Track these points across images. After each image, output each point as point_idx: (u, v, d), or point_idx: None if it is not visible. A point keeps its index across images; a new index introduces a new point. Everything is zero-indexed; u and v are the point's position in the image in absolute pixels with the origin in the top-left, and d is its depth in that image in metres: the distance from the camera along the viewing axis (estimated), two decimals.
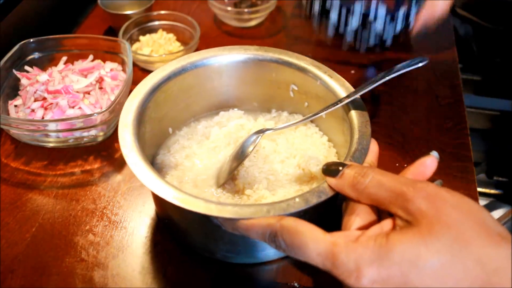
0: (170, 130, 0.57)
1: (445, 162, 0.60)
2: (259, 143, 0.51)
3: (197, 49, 0.75)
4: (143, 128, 0.49)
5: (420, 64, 0.45)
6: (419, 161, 0.38)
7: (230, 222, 0.39)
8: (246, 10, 0.81)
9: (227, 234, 0.41)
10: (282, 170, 0.51)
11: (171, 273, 0.48)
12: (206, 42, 0.78)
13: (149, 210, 0.54)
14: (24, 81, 0.62)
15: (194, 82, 0.55)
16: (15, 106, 0.61)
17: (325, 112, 0.49)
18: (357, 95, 0.47)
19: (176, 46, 0.76)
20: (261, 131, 0.51)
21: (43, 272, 0.48)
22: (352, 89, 0.49)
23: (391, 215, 0.34)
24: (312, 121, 0.56)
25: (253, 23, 0.84)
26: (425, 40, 0.81)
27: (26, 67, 0.65)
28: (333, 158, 0.53)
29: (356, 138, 0.45)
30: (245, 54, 0.55)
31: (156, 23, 0.78)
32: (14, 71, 0.63)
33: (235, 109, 0.60)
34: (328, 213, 0.45)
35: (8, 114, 0.61)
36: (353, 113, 0.47)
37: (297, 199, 0.39)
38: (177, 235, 0.52)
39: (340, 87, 0.50)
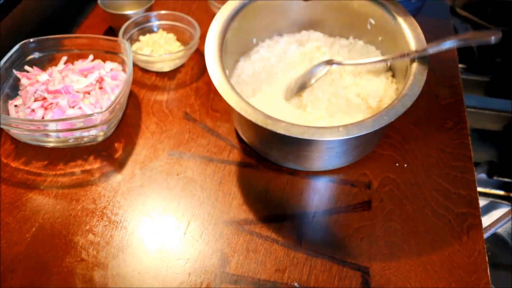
0: (255, 40, 0.65)
1: (445, 162, 0.60)
2: (328, 68, 0.58)
3: (197, 49, 0.75)
4: (229, 39, 0.57)
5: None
6: None
7: None
8: None
9: (280, 144, 0.52)
10: (344, 95, 0.57)
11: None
12: None
13: (149, 210, 0.54)
14: (24, 81, 0.62)
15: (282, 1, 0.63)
16: (15, 106, 0.61)
17: (390, 61, 0.55)
18: (425, 53, 0.51)
19: (176, 46, 0.76)
20: (329, 62, 0.57)
21: (43, 272, 0.48)
22: (421, 33, 0.55)
23: None
24: (382, 55, 0.62)
25: None
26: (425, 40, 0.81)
27: (26, 67, 0.65)
28: (392, 94, 0.58)
29: (409, 83, 0.50)
30: None
31: (156, 23, 0.78)
32: (14, 71, 0.63)
33: (317, 31, 0.66)
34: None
35: (8, 114, 0.61)
36: (415, 59, 0.53)
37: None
38: (245, 136, 0.59)
39: (411, 31, 0.56)
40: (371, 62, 0.57)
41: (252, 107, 0.48)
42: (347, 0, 0.62)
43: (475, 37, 0.48)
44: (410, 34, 0.56)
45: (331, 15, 0.65)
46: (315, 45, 0.64)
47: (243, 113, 0.48)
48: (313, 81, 0.57)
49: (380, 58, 0.56)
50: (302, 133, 0.46)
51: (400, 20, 0.57)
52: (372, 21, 0.61)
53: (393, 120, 0.47)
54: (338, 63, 0.57)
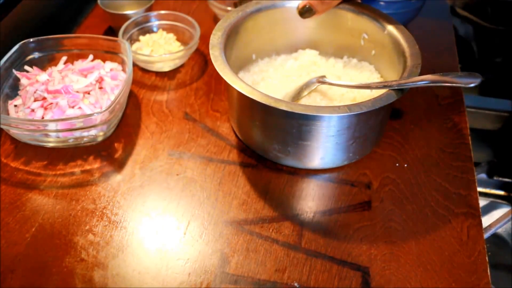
0: (254, 56, 0.67)
1: (445, 162, 0.60)
2: (324, 78, 0.60)
3: (197, 49, 0.75)
4: (229, 49, 0.59)
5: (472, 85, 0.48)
6: None
7: None
8: None
9: (281, 133, 0.53)
10: (341, 101, 0.60)
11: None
12: (206, 42, 0.77)
13: (149, 210, 0.54)
14: (24, 81, 0.62)
15: (280, 19, 0.65)
16: (15, 106, 0.61)
17: (375, 88, 0.55)
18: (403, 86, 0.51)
19: (176, 46, 0.76)
20: (322, 78, 0.59)
21: (43, 272, 0.48)
22: (413, 39, 0.57)
23: None
24: (376, 69, 0.65)
25: None
26: (425, 40, 0.81)
27: (26, 67, 0.65)
28: None
29: (405, 73, 0.53)
30: None
31: (156, 23, 0.78)
32: (14, 71, 0.63)
33: (312, 50, 0.68)
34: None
35: (8, 114, 0.61)
36: (408, 58, 0.55)
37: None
38: (244, 135, 0.60)
39: (403, 37, 0.58)
40: (356, 86, 0.57)
41: (257, 90, 0.50)
42: (341, 11, 0.63)
43: (453, 82, 0.48)
44: (401, 37, 0.58)
45: (326, 35, 0.67)
46: (311, 60, 0.66)
47: (249, 95, 0.49)
48: (305, 93, 0.59)
49: (363, 83, 0.57)
50: (304, 110, 0.48)
51: (392, 30, 0.59)
52: (366, 36, 0.64)
53: (392, 101, 0.49)
54: (328, 83, 0.59)
